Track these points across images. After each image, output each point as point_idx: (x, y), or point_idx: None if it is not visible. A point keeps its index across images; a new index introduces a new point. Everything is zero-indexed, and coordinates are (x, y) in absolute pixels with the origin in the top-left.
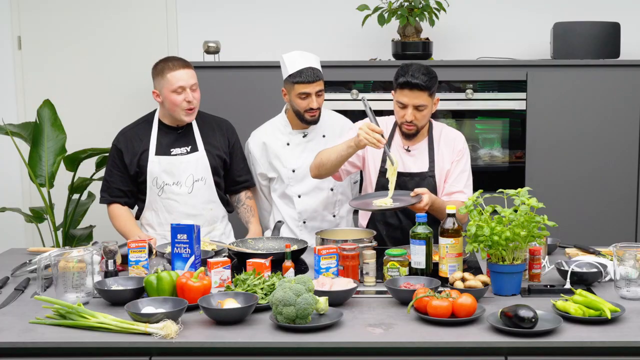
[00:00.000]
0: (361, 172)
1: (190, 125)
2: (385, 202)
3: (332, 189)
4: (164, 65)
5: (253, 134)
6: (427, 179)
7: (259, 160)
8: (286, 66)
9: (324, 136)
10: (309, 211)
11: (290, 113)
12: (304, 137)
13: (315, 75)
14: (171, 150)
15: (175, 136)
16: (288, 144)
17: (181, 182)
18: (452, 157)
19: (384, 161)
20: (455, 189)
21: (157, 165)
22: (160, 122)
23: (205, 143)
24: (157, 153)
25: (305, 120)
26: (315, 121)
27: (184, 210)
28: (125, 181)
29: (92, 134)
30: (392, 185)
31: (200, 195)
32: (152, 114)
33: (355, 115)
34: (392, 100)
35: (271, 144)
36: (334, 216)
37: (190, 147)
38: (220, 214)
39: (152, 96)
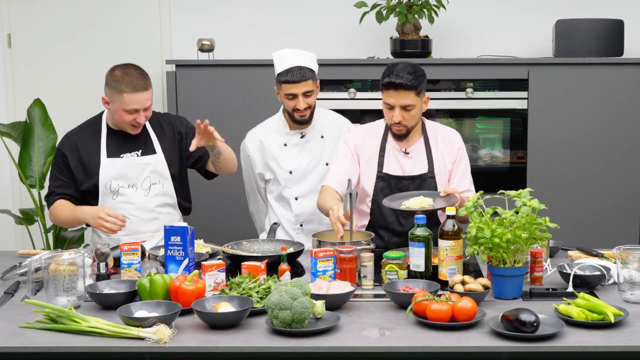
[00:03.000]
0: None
1: (144, 128)
2: (422, 202)
3: None
4: (121, 80)
5: (249, 134)
6: (427, 181)
7: (257, 161)
8: (275, 64)
9: (322, 137)
10: (306, 214)
11: (286, 113)
12: (301, 137)
13: (301, 75)
14: (121, 154)
15: (125, 139)
16: (285, 145)
17: (137, 184)
18: (452, 156)
19: (380, 165)
20: (463, 187)
21: (110, 169)
22: (108, 126)
23: (161, 143)
24: (109, 156)
25: (295, 120)
26: (304, 121)
27: (140, 215)
28: (70, 187)
29: None
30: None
31: (158, 199)
32: (99, 117)
33: (353, 115)
34: None
35: (268, 144)
36: None
37: (141, 150)
38: (176, 218)
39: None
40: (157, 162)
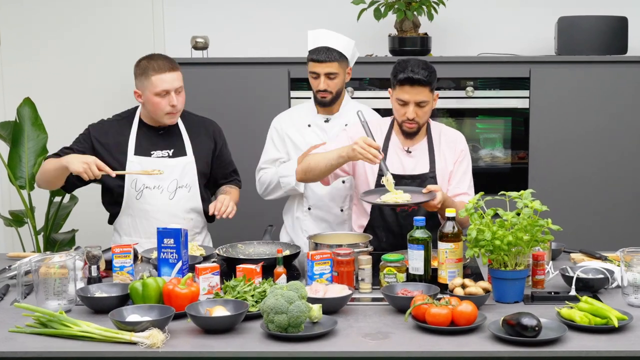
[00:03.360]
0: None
1: (174, 126)
2: (397, 197)
3: (343, 181)
4: (147, 65)
5: (277, 117)
6: (428, 180)
7: (276, 140)
8: (308, 42)
9: (346, 125)
10: (314, 198)
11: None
12: (325, 121)
13: (327, 56)
14: (151, 152)
15: (157, 137)
16: (309, 125)
17: (163, 187)
18: (453, 157)
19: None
20: (460, 190)
21: (137, 166)
22: (141, 120)
23: (193, 147)
24: (137, 153)
25: (317, 100)
26: (325, 103)
27: (162, 219)
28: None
29: (74, 134)
30: (393, 191)
31: (183, 204)
32: (134, 111)
33: None
34: (389, 98)
35: (292, 123)
36: (342, 210)
37: (172, 150)
38: (200, 225)
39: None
40: (187, 164)
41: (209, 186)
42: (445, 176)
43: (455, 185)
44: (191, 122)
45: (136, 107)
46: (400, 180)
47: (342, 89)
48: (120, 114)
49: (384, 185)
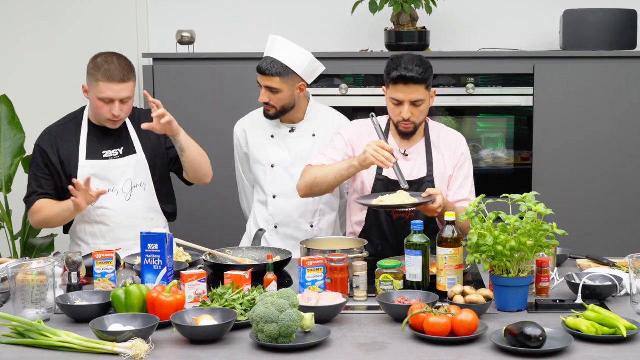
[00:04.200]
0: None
1: (123, 124)
2: (395, 198)
3: None
4: (99, 68)
5: (239, 121)
6: (425, 185)
7: (244, 148)
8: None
9: (313, 135)
10: (281, 215)
11: None
12: (290, 131)
13: (267, 69)
14: (103, 152)
15: (106, 137)
16: (272, 137)
17: (117, 188)
18: (453, 161)
19: (379, 167)
20: (461, 196)
21: (89, 170)
22: (89, 122)
23: (142, 143)
24: (88, 157)
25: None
26: (269, 116)
27: (121, 221)
28: (52, 186)
29: None
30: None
31: (140, 204)
32: (81, 112)
33: (344, 113)
34: (384, 96)
35: (253, 135)
36: (312, 226)
37: (122, 148)
38: (162, 224)
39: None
40: (138, 162)
41: (171, 164)
42: (444, 181)
43: (456, 191)
44: (137, 117)
45: (83, 108)
46: (397, 186)
47: (292, 104)
48: (66, 118)
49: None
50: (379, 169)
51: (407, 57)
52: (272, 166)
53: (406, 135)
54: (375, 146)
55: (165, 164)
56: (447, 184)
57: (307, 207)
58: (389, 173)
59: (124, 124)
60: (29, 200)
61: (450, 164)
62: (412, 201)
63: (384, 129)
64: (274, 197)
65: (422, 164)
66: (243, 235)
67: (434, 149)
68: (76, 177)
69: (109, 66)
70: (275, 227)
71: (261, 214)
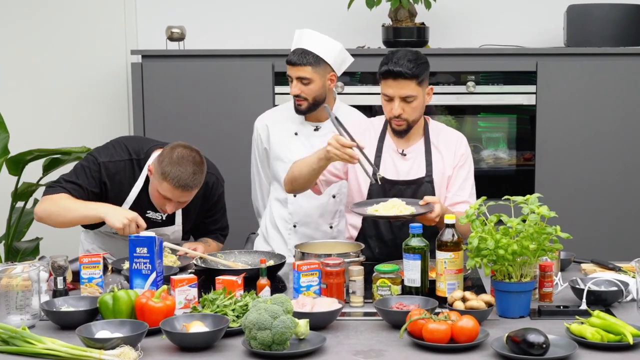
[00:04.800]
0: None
1: None
2: (390, 208)
3: (334, 196)
4: (170, 168)
5: (261, 116)
6: (424, 185)
7: (265, 144)
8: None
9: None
10: (301, 214)
11: None
12: (315, 130)
13: (300, 59)
14: (147, 211)
15: None
16: (296, 134)
17: None
18: (453, 161)
19: (377, 166)
20: (460, 198)
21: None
22: (147, 177)
23: (184, 212)
24: (133, 207)
25: (294, 106)
26: (299, 111)
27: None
28: (87, 196)
29: (38, 133)
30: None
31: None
32: (144, 157)
33: None
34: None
35: (276, 131)
36: (331, 227)
37: (165, 215)
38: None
39: (107, 92)
40: (173, 234)
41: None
42: (443, 182)
43: (455, 192)
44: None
45: (147, 153)
46: (394, 186)
47: (323, 96)
48: (123, 150)
49: (375, 194)
50: (374, 176)
51: (402, 52)
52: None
53: (399, 133)
54: (335, 143)
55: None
56: (446, 184)
57: (328, 208)
58: (385, 173)
59: None
60: (52, 188)
61: (449, 165)
62: (409, 211)
63: (381, 130)
64: (295, 195)
65: (420, 164)
66: (244, 238)
67: (434, 149)
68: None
69: (181, 172)
70: (294, 226)
71: (279, 213)
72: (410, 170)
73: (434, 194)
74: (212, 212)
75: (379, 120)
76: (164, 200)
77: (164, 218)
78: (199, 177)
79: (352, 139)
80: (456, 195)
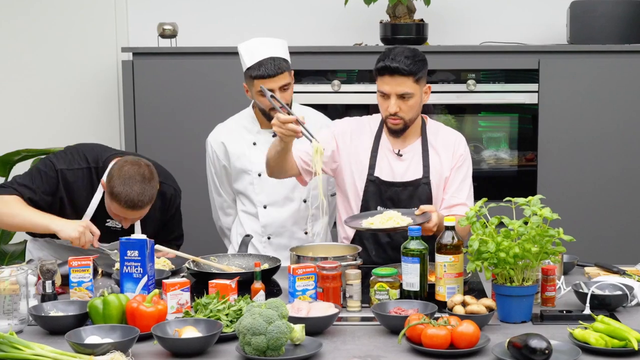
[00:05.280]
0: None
1: None
2: (385, 220)
3: (305, 201)
4: (121, 187)
5: (211, 135)
6: (421, 187)
7: (223, 161)
8: (243, 58)
9: (297, 137)
10: (274, 225)
11: (257, 109)
12: (274, 136)
13: (277, 67)
14: (107, 220)
15: None
16: (255, 144)
17: (104, 248)
18: (451, 162)
19: (372, 167)
20: (457, 201)
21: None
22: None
23: (143, 220)
24: (93, 219)
25: (271, 118)
26: (269, 117)
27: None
28: (42, 208)
29: (26, 133)
30: (318, 167)
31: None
32: (102, 168)
33: (336, 110)
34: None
35: (233, 145)
36: (306, 233)
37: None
38: None
39: (97, 91)
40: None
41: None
42: (441, 183)
43: (452, 194)
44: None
45: (105, 163)
46: (390, 188)
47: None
48: (89, 159)
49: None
50: (370, 169)
51: (399, 48)
52: (259, 175)
53: (395, 132)
54: (276, 121)
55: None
56: (443, 187)
57: (300, 214)
58: (380, 174)
59: None
60: (7, 187)
61: (447, 166)
62: (406, 223)
63: (377, 129)
64: (265, 207)
65: (417, 165)
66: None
67: (431, 149)
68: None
69: (129, 192)
70: (269, 238)
71: (250, 226)
72: (406, 171)
73: (431, 196)
74: (169, 223)
75: (375, 120)
76: (118, 217)
77: (122, 227)
78: (148, 193)
79: (290, 113)
80: (453, 197)
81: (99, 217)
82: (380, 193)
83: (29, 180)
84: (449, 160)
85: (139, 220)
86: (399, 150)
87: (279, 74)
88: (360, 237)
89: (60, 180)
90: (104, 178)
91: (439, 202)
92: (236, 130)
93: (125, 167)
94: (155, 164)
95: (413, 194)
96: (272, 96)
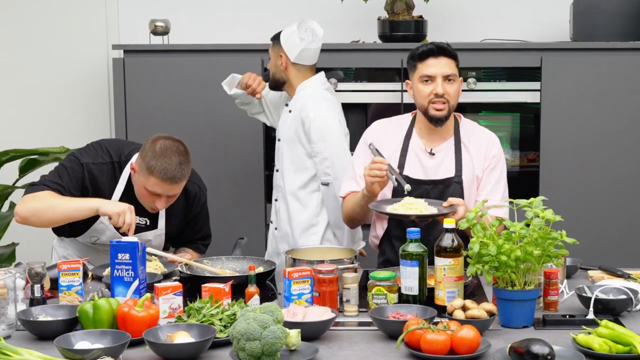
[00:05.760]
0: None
1: None
2: (409, 207)
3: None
4: (155, 160)
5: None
6: (453, 186)
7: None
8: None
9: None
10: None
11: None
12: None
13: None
14: None
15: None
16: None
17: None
18: (484, 163)
19: (401, 166)
20: (491, 203)
21: (105, 230)
22: (128, 180)
23: (167, 216)
24: None
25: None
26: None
27: None
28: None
29: (14, 133)
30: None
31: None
32: (125, 159)
33: None
34: (380, 91)
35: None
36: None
37: (150, 219)
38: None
39: (87, 89)
40: (156, 238)
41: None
42: (473, 183)
43: (486, 196)
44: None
45: (128, 155)
46: (420, 186)
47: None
48: (104, 153)
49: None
50: (399, 168)
51: (429, 42)
52: None
53: (438, 121)
54: (366, 171)
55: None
56: (476, 186)
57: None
58: (410, 172)
59: None
60: (33, 187)
61: (479, 166)
62: (430, 212)
63: (408, 127)
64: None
65: (450, 164)
66: (233, 245)
67: (464, 149)
68: (91, 224)
69: (167, 164)
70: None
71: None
72: (438, 169)
73: (462, 196)
74: (193, 222)
75: (406, 119)
76: (153, 197)
77: (148, 223)
78: (186, 167)
79: (381, 155)
80: (487, 199)
81: None
82: (410, 192)
83: (57, 177)
84: (481, 161)
85: (163, 215)
86: (432, 149)
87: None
88: (389, 236)
89: (85, 174)
90: (133, 160)
91: (471, 203)
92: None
93: (160, 141)
94: None
95: (444, 192)
96: (373, 149)
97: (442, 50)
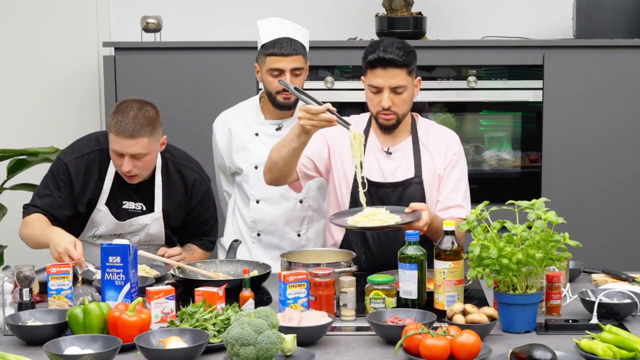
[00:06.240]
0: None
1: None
2: (371, 218)
3: (301, 201)
4: (113, 118)
5: (219, 118)
6: (413, 187)
7: (223, 150)
8: (260, 34)
9: None
10: (265, 222)
11: (265, 99)
12: (277, 129)
13: (292, 48)
14: (123, 202)
15: (131, 185)
16: (257, 135)
17: (124, 238)
18: (444, 161)
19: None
20: (453, 202)
21: (104, 218)
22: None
23: (165, 201)
24: (108, 202)
25: (277, 103)
26: (288, 105)
27: None
28: (59, 208)
29: (2, 132)
30: (358, 153)
31: (143, 258)
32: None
33: None
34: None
35: (237, 132)
36: (299, 235)
37: (146, 204)
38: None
39: (77, 88)
40: (153, 222)
41: (180, 233)
42: (434, 183)
43: (447, 195)
44: (173, 170)
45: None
46: (380, 189)
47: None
48: (90, 141)
49: (356, 201)
50: (356, 184)
51: (387, 40)
52: (256, 167)
53: (387, 129)
54: (305, 114)
55: (181, 224)
56: (437, 185)
57: (294, 214)
58: (368, 174)
59: (153, 178)
60: (26, 210)
61: (440, 165)
62: (394, 221)
63: (365, 126)
64: (257, 201)
65: (408, 164)
66: (228, 248)
67: (422, 148)
68: (89, 216)
69: (123, 117)
70: (258, 234)
71: (242, 217)
72: (396, 170)
73: (423, 197)
74: (196, 211)
75: (363, 118)
76: (120, 160)
77: (144, 208)
78: (144, 122)
79: (320, 103)
80: (448, 198)
81: (116, 199)
82: (369, 195)
83: (45, 187)
84: (441, 159)
85: (160, 198)
86: (389, 149)
87: (293, 54)
88: (349, 242)
89: (71, 172)
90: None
91: (433, 204)
92: (242, 117)
93: (126, 101)
94: (181, 151)
95: (403, 194)
96: (295, 88)
97: (390, 61)
